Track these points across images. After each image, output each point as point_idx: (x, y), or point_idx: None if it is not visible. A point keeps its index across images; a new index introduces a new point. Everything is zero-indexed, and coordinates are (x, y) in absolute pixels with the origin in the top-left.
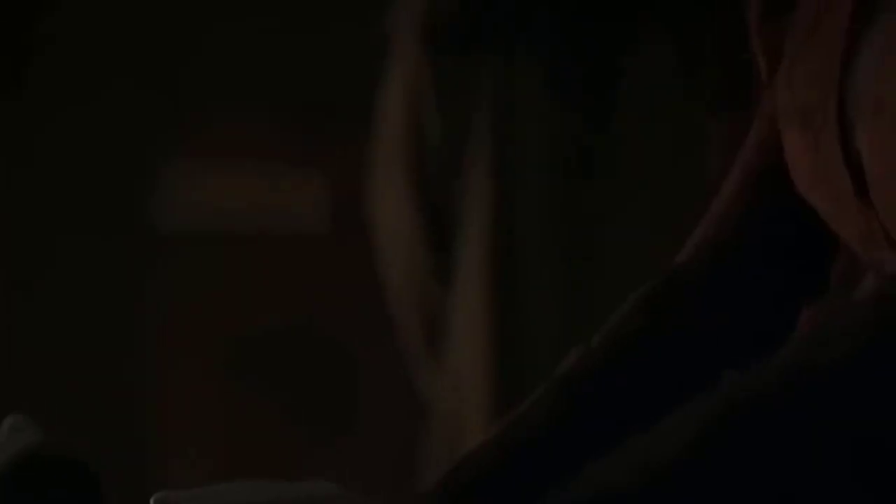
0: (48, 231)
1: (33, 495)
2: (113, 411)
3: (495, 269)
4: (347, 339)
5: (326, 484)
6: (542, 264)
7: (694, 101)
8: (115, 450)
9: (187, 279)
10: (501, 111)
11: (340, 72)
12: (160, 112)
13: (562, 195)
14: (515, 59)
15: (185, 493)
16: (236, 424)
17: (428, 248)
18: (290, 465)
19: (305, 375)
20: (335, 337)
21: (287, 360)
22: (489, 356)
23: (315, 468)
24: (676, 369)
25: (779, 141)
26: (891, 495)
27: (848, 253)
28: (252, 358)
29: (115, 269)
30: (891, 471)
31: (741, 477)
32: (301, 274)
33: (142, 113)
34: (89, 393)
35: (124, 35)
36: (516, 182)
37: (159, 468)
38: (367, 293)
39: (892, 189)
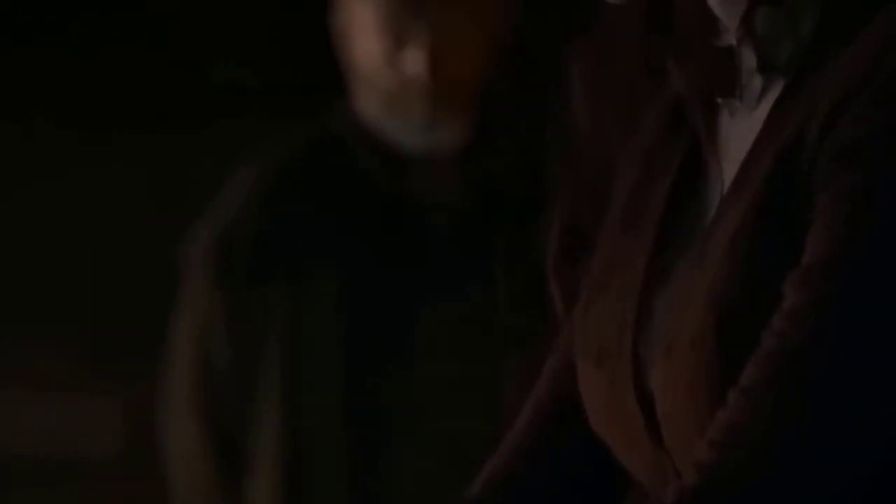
0: None
1: None
2: None
3: (285, 498)
4: None
5: None
6: (332, 492)
7: (491, 336)
8: None
9: None
10: (292, 341)
11: (134, 301)
12: None
13: (352, 423)
14: (307, 290)
15: None
16: None
17: (218, 475)
18: None
19: None
20: None
21: None
22: None
23: None
24: None
25: (572, 376)
26: None
27: (639, 487)
28: None
29: None
30: None
31: None
32: (96, 498)
33: None
34: None
35: None
36: (306, 411)
37: None
38: None
39: (681, 427)
